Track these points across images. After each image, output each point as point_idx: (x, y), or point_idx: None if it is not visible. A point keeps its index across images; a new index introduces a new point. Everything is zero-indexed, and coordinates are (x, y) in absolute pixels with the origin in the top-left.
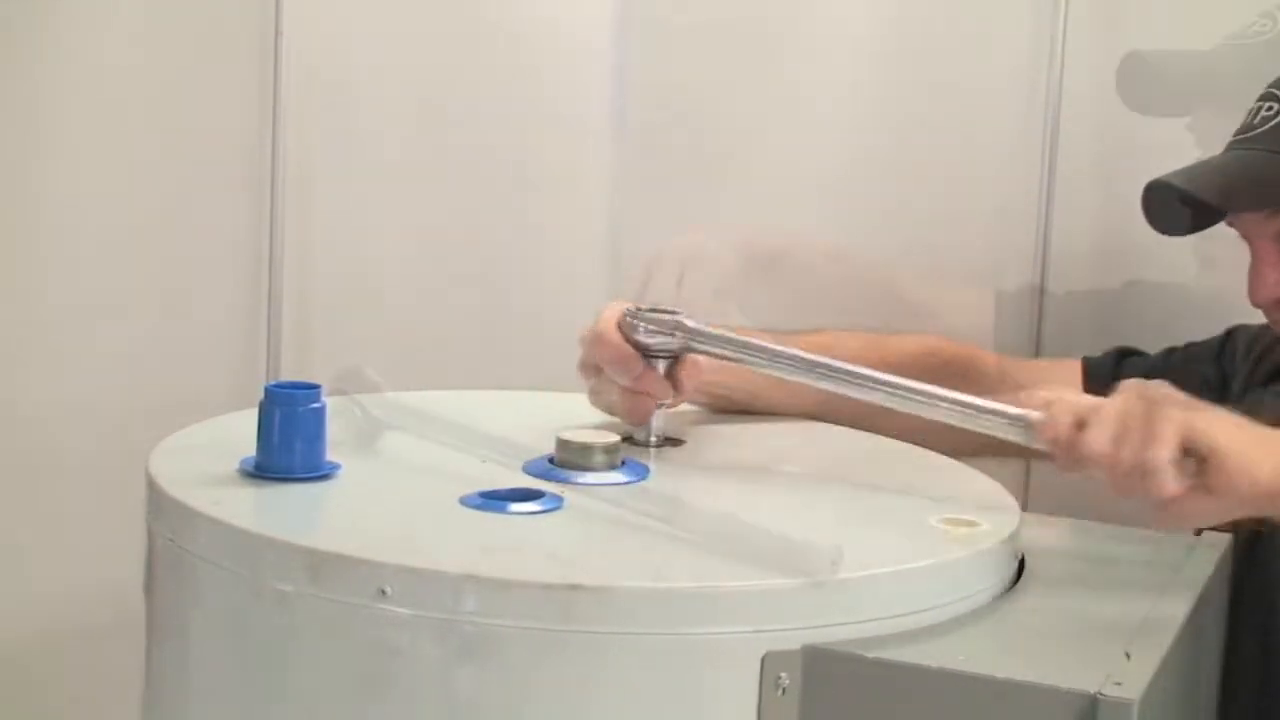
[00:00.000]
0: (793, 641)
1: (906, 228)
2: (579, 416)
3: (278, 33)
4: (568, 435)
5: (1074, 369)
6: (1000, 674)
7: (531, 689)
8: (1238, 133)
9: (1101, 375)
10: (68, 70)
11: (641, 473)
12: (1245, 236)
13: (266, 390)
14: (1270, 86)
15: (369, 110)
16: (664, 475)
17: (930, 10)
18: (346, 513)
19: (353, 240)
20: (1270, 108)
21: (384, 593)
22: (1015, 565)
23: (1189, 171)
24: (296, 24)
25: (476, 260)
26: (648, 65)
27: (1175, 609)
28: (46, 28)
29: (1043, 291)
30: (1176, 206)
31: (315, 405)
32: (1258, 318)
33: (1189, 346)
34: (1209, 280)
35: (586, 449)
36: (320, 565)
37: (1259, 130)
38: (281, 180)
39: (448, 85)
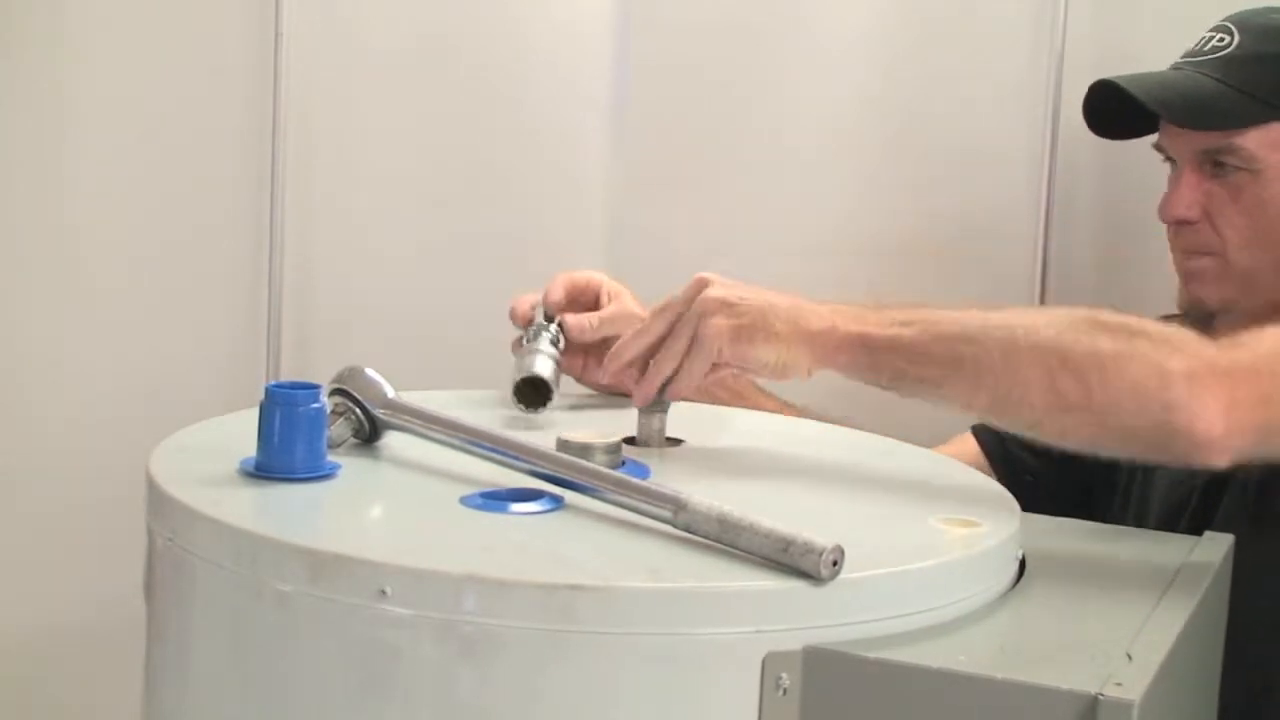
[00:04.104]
0: (793, 642)
1: (907, 228)
2: (579, 416)
3: (278, 33)
4: (568, 435)
5: (967, 439)
6: (1000, 674)
7: (532, 689)
8: (1185, 54)
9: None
10: (68, 73)
11: (642, 473)
12: (1172, 154)
13: (266, 390)
14: (1226, 19)
15: (368, 111)
16: (664, 475)
17: (931, 10)
18: (346, 513)
19: (353, 240)
20: (1222, 38)
21: (384, 593)
22: (1015, 565)
23: (1134, 78)
24: (296, 24)
25: (476, 260)
26: (648, 63)
27: (1176, 609)
28: (50, 31)
29: (1043, 297)
30: (1115, 109)
31: (315, 405)
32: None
33: None
34: None
35: (587, 449)
36: (320, 565)
37: (1207, 57)
38: (281, 181)
39: (447, 86)
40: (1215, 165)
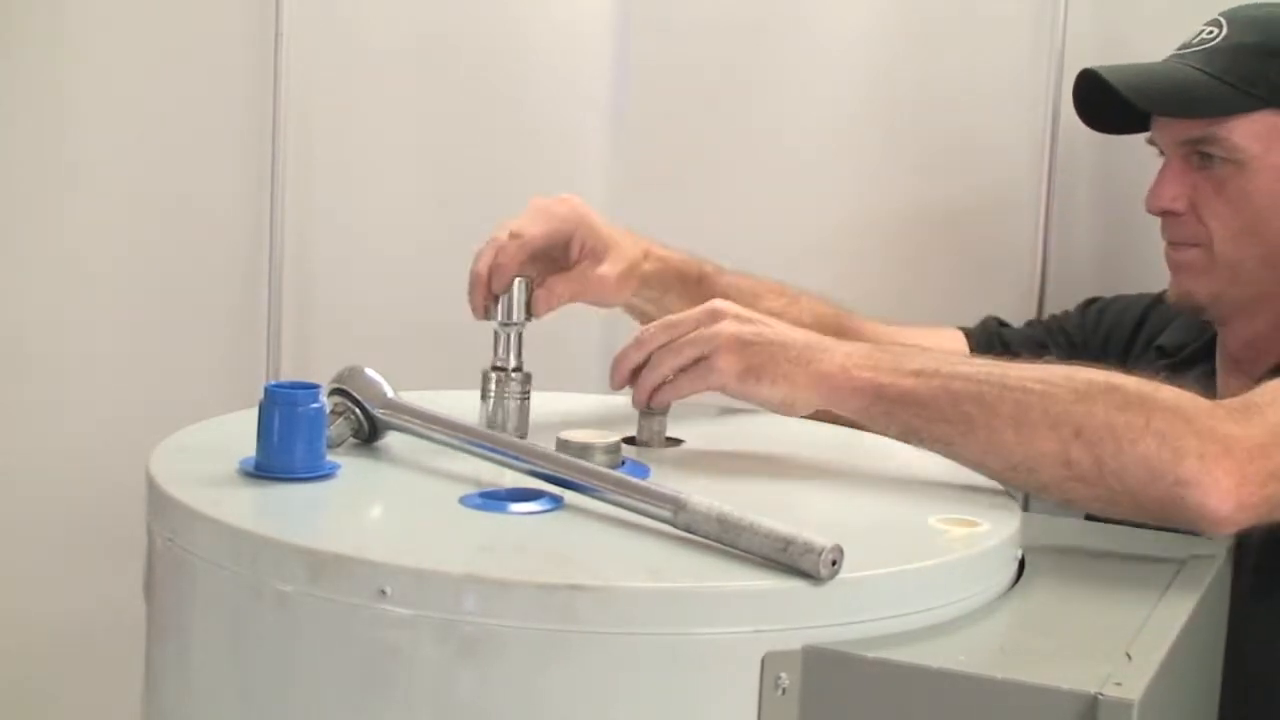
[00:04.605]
0: (793, 641)
1: (907, 227)
2: (579, 416)
3: (278, 33)
4: (568, 435)
5: (956, 337)
6: (1000, 674)
7: (531, 689)
8: (1178, 48)
9: (983, 343)
10: (68, 73)
11: (642, 473)
12: (1160, 146)
13: (266, 390)
14: (1221, 13)
15: (368, 111)
16: (664, 475)
17: (931, 10)
18: (346, 513)
19: (353, 240)
20: (1211, 31)
21: (384, 593)
22: (1015, 565)
23: (1115, 68)
24: (296, 24)
25: None
26: (648, 63)
27: (1176, 609)
28: (50, 31)
29: (1043, 294)
30: (1102, 101)
31: (315, 405)
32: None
33: (1050, 318)
34: None
35: (587, 449)
36: (320, 565)
37: (1195, 48)
38: (281, 181)
39: (447, 86)
40: (1202, 157)
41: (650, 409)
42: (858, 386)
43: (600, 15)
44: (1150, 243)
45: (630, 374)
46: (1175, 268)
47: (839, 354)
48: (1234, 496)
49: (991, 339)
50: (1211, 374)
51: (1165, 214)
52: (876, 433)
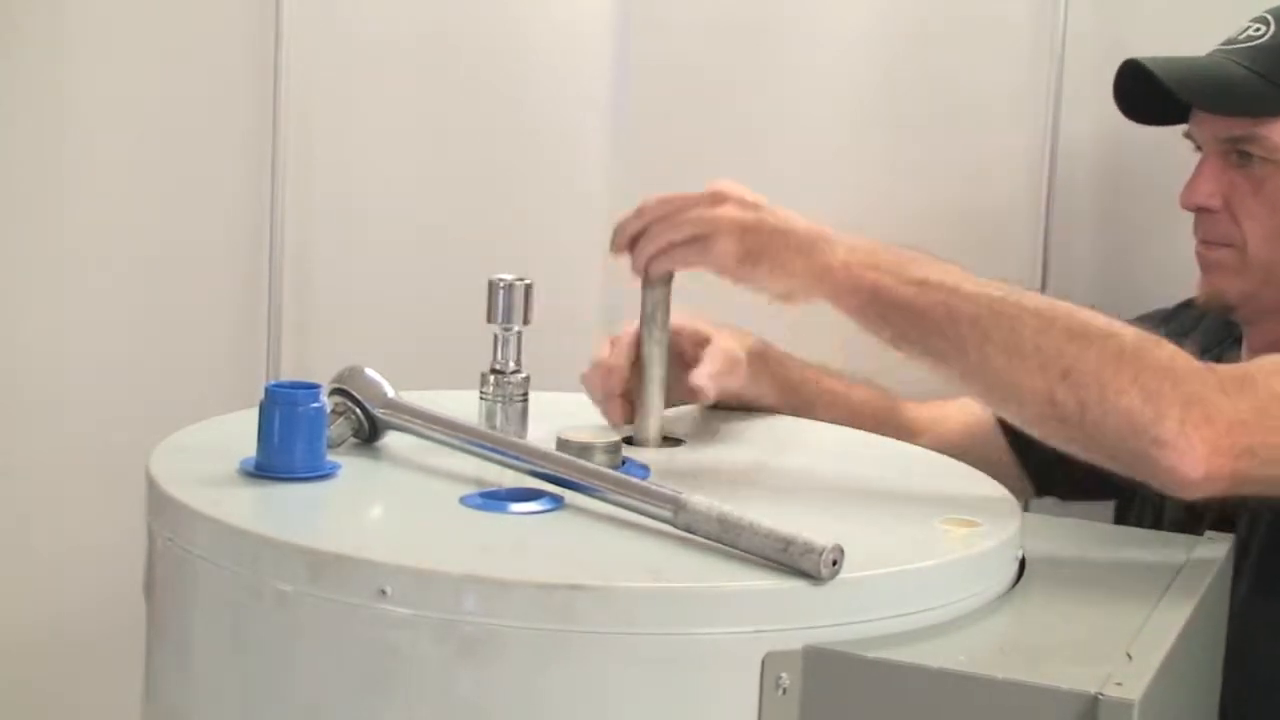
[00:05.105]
0: (793, 641)
1: (906, 227)
2: (579, 416)
3: (278, 33)
4: (568, 435)
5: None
6: (1000, 674)
7: (531, 689)
8: (1222, 43)
9: None
10: (68, 73)
11: (642, 473)
12: (1198, 140)
13: (266, 390)
14: (1267, 11)
15: (368, 110)
16: (664, 475)
17: (931, 10)
18: (346, 513)
19: (353, 240)
20: (1258, 28)
21: (384, 593)
22: (1015, 565)
23: (1160, 60)
24: (296, 24)
25: (476, 260)
26: (648, 63)
27: (1177, 609)
28: (50, 31)
29: (1043, 293)
30: (1142, 92)
31: (315, 405)
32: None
33: None
34: None
35: (587, 449)
36: (320, 565)
37: (1240, 45)
38: (281, 181)
39: (447, 86)
40: (1240, 155)
41: (650, 282)
42: (857, 284)
43: (600, 15)
44: (1151, 246)
45: (629, 242)
46: (1206, 266)
47: (842, 249)
48: (1205, 465)
49: None
50: None
51: (1199, 210)
52: (869, 333)
